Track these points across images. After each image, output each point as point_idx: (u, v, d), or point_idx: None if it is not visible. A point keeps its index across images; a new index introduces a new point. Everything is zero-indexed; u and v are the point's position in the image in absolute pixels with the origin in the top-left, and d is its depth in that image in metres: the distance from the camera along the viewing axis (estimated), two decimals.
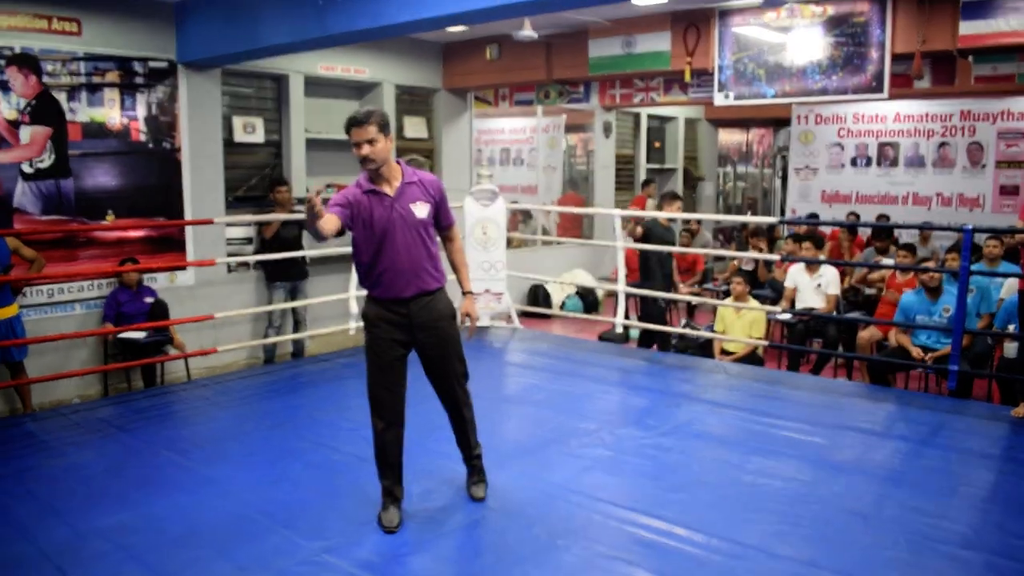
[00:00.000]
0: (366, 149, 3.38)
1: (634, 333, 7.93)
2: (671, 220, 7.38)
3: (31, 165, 6.17)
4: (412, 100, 9.19)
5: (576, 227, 11.74)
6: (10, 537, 3.47)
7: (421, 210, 3.49)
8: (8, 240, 5.60)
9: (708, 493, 3.85)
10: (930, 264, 7.16)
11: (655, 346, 7.29)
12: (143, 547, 3.36)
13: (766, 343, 6.71)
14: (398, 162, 3.57)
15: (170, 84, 6.91)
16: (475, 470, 3.85)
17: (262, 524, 3.55)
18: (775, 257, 7.69)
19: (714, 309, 7.35)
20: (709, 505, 3.72)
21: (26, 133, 6.14)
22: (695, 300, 8.31)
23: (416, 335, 3.56)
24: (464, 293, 3.83)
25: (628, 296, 7.22)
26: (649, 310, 7.18)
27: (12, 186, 6.08)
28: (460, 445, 3.84)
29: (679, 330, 7.13)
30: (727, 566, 3.15)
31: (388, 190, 3.48)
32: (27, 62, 6.10)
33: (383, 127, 3.41)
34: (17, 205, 6.10)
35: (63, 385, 6.17)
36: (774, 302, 7.47)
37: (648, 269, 7.23)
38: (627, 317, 7.16)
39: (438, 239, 3.69)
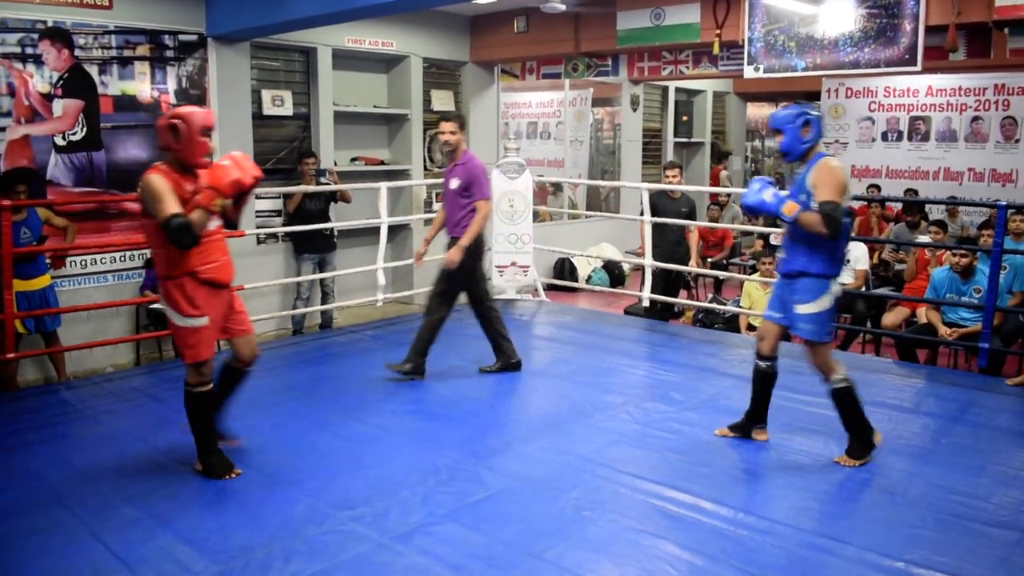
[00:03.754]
0: (451, 138, 5.16)
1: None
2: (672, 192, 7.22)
3: (64, 137, 6.23)
4: (439, 73, 9.17)
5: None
6: (46, 503, 3.55)
7: (454, 183, 4.87)
8: (40, 211, 5.68)
9: (734, 468, 3.86)
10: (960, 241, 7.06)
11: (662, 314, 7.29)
12: (173, 514, 3.43)
13: None
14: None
15: (200, 57, 6.94)
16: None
17: (290, 493, 3.60)
18: None
19: (741, 284, 7.31)
20: (735, 480, 3.73)
21: (59, 106, 6.20)
22: (722, 275, 8.27)
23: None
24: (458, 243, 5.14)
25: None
26: (654, 280, 7.15)
27: (45, 158, 6.15)
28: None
29: (703, 304, 7.11)
30: (753, 540, 3.16)
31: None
32: (59, 36, 6.14)
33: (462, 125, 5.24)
34: (50, 177, 6.17)
35: (96, 354, 6.27)
36: None
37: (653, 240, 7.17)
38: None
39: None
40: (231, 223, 3.88)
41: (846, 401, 3.92)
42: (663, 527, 3.27)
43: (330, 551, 3.09)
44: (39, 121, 6.11)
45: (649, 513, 3.40)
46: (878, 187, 10.12)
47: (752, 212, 4.02)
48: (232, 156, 3.63)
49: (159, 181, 3.49)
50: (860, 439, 3.95)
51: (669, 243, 7.00)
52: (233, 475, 3.79)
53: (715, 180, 11.45)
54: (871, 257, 7.40)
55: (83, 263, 6.32)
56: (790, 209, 3.72)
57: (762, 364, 4.11)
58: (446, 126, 5.18)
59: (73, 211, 6.20)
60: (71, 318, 6.01)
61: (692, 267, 7.10)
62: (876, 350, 6.80)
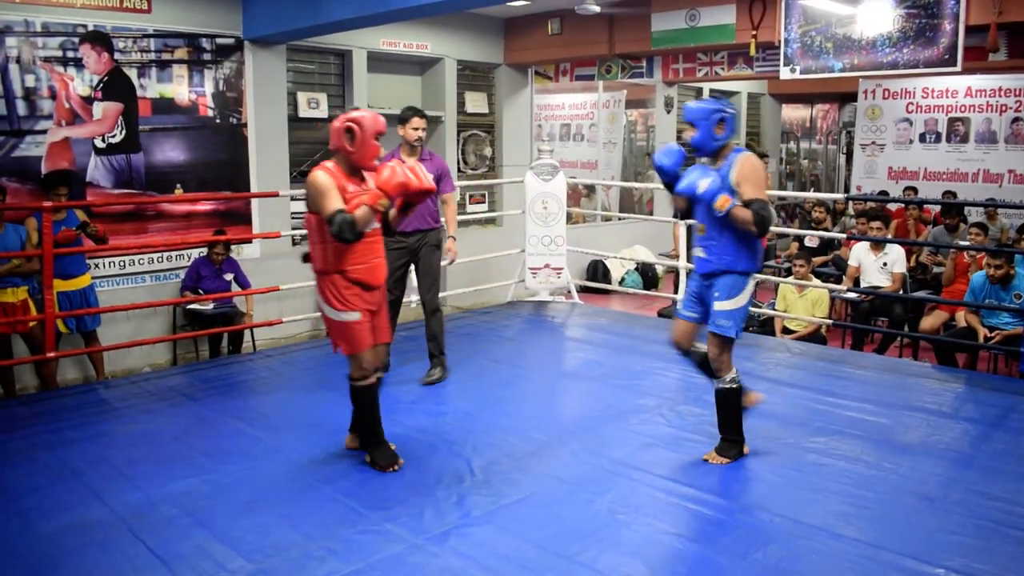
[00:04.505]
0: (423, 134, 5.10)
1: None
2: None
3: (103, 140, 6.33)
4: (473, 75, 9.19)
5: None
6: (86, 500, 3.60)
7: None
8: (78, 213, 5.77)
9: (770, 472, 3.82)
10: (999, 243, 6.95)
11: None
12: (210, 512, 3.46)
13: (830, 322, 6.60)
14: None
15: (237, 60, 7.01)
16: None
17: (325, 493, 3.63)
18: (841, 235, 7.54)
19: (776, 286, 7.24)
20: (771, 484, 3.69)
21: (98, 109, 6.30)
22: (758, 277, 8.18)
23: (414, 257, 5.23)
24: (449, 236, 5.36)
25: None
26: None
27: (85, 160, 6.25)
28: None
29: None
30: (790, 546, 3.12)
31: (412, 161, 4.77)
32: (100, 39, 6.24)
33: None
34: (90, 179, 6.28)
35: (134, 354, 6.36)
36: (838, 280, 7.33)
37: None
38: None
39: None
40: (390, 229, 3.96)
41: (730, 403, 3.91)
42: (699, 532, 3.25)
43: (365, 551, 3.10)
44: (79, 124, 6.21)
45: (684, 517, 3.38)
46: (915, 189, 9.97)
47: (663, 174, 3.92)
48: (407, 164, 3.70)
49: (326, 178, 3.60)
50: (733, 442, 3.96)
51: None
52: (396, 467, 3.84)
53: None
54: (908, 260, 7.29)
55: (122, 264, 6.42)
56: (723, 203, 3.62)
57: (691, 357, 4.10)
58: (422, 123, 5.10)
59: (112, 212, 6.30)
60: (110, 318, 6.11)
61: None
62: (914, 354, 6.70)
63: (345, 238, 3.53)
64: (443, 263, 5.42)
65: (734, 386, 3.89)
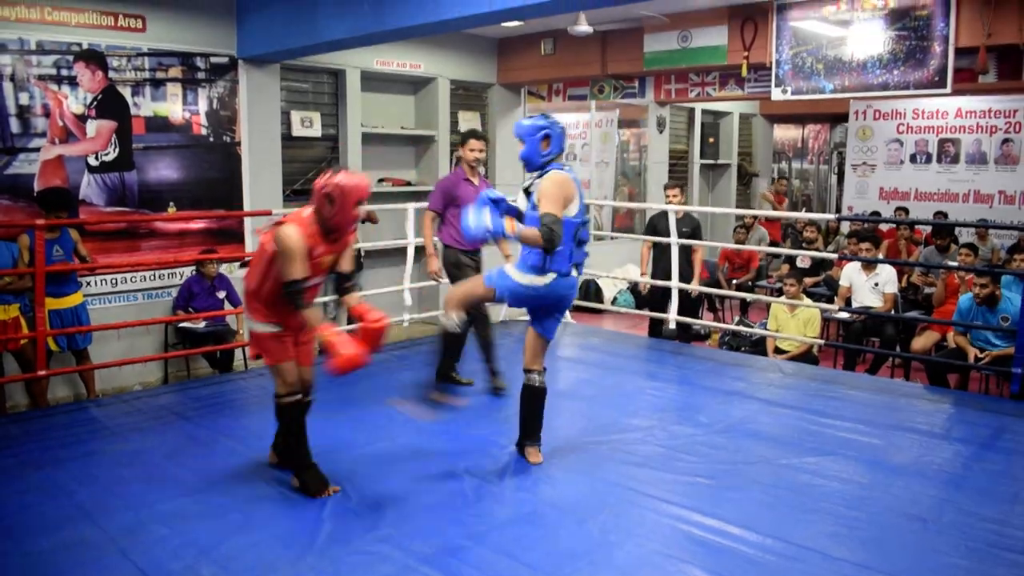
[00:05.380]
0: (481, 155, 5.40)
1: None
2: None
3: (96, 158, 6.34)
4: (466, 95, 9.24)
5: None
6: (75, 519, 3.57)
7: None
8: (72, 232, 5.76)
9: (762, 493, 3.82)
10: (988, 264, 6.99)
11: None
12: (200, 532, 3.44)
13: (822, 342, 6.62)
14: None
15: (230, 79, 7.04)
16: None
17: (317, 513, 3.60)
18: (833, 256, 7.58)
19: (768, 306, 7.26)
20: (763, 505, 3.69)
21: (92, 127, 6.31)
22: (749, 297, 8.22)
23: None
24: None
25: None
26: (652, 299, 7.24)
27: (78, 178, 6.26)
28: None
29: (729, 326, 7.06)
30: (781, 567, 3.12)
31: (476, 181, 5.40)
32: (94, 58, 6.26)
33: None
34: (83, 196, 6.28)
35: (125, 372, 6.34)
36: (829, 300, 7.36)
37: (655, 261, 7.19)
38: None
39: None
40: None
41: (444, 343, 4.30)
42: (690, 552, 3.24)
43: (356, 572, 3.08)
44: (73, 141, 6.22)
45: (676, 538, 3.37)
46: (906, 210, 10.04)
47: (475, 241, 4.07)
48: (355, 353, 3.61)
49: (297, 241, 3.58)
50: (430, 384, 4.19)
51: (667, 263, 6.90)
52: (329, 492, 3.80)
53: (779, 198, 11.32)
54: (900, 280, 7.33)
55: (113, 282, 6.40)
56: (511, 229, 3.78)
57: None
58: (479, 143, 5.37)
59: (104, 231, 6.29)
60: (101, 336, 6.09)
61: (692, 287, 6.92)
62: (906, 374, 6.72)
63: (291, 302, 3.64)
64: None
65: (451, 330, 4.13)
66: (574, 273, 4.00)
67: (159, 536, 3.41)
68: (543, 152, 3.89)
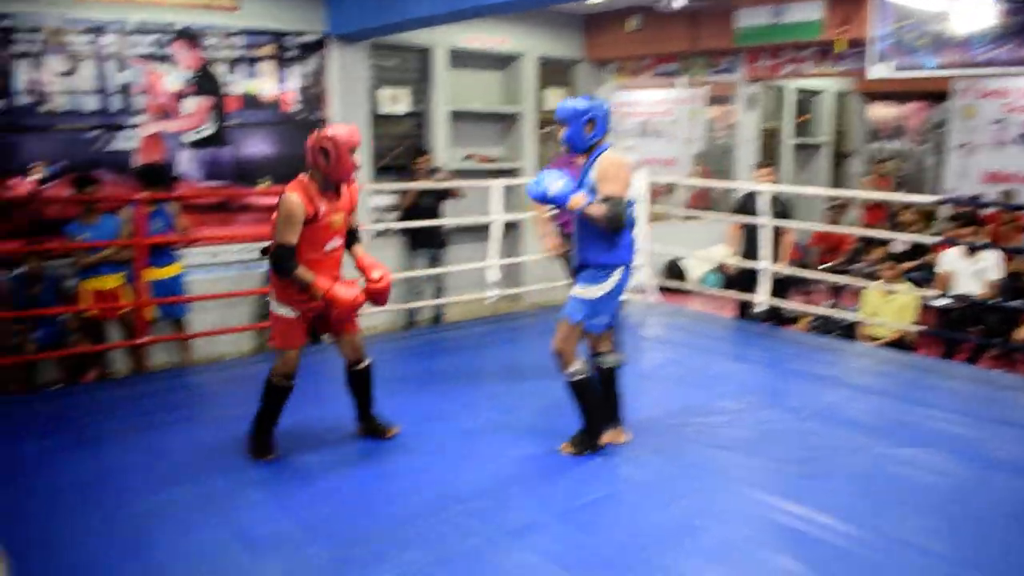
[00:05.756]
0: None
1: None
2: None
3: (193, 134, 6.52)
4: (553, 71, 9.17)
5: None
6: (173, 481, 3.71)
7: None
8: (170, 206, 5.95)
9: (854, 483, 3.71)
10: None
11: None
12: (294, 498, 3.54)
13: (918, 329, 6.38)
14: None
15: (321, 57, 7.14)
16: None
17: (405, 483, 3.67)
18: (932, 240, 7.29)
19: (859, 291, 7.04)
20: (855, 495, 3.58)
21: (188, 104, 6.49)
22: (842, 280, 7.97)
23: None
24: None
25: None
26: (733, 280, 7.13)
27: (176, 154, 6.45)
28: None
29: (819, 310, 6.87)
30: (874, 560, 3.03)
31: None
32: (190, 37, 6.44)
33: None
34: (180, 172, 6.48)
35: (221, 341, 6.52)
36: (925, 286, 7.09)
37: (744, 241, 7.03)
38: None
39: None
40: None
41: (577, 394, 3.92)
42: (781, 541, 3.17)
43: (443, 543, 3.13)
44: (170, 118, 6.41)
45: (765, 525, 3.30)
46: (1011, 194, 9.57)
47: (538, 201, 3.93)
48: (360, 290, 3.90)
49: (296, 205, 3.69)
50: (588, 433, 3.94)
51: (756, 244, 6.72)
52: (269, 458, 3.93)
53: (884, 181, 10.89)
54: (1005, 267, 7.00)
55: (210, 254, 6.60)
56: (576, 202, 3.67)
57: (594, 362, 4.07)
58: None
59: (201, 204, 6.48)
60: (198, 306, 6.28)
61: (781, 268, 6.72)
62: (1009, 365, 6.44)
63: (275, 267, 3.73)
64: None
65: (581, 377, 3.89)
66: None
67: (253, 501, 3.53)
68: (587, 136, 3.82)
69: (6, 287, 5.41)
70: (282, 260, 3.70)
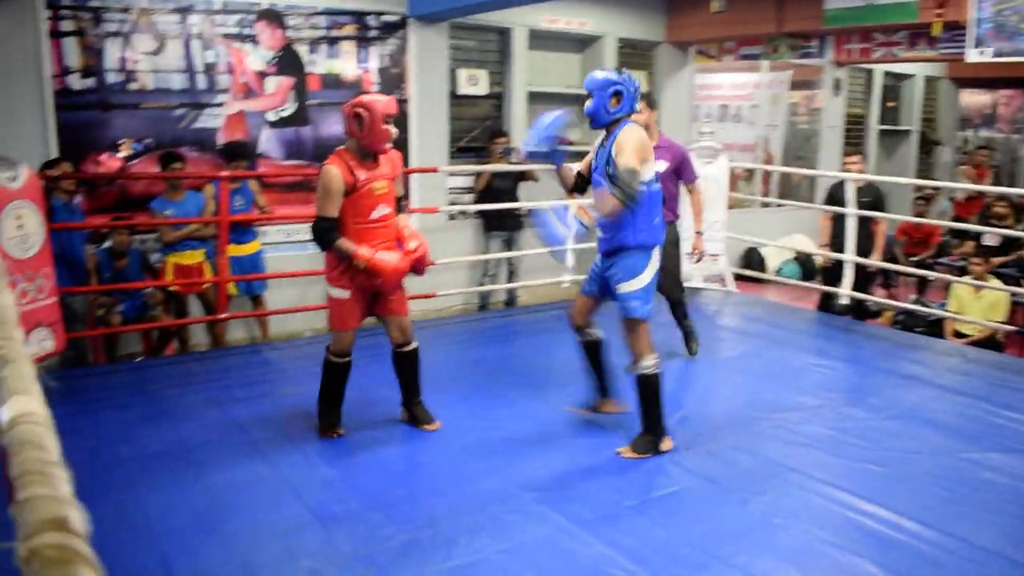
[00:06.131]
0: (645, 118, 4.83)
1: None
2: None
3: (275, 113, 6.61)
4: (633, 53, 9.02)
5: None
6: (252, 457, 3.78)
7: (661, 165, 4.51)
8: (252, 184, 6.05)
9: (940, 487, 3.57)
10: None
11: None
12: (366, 478, 3.57)
13: (1010, 328, 6.12)
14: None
15: (401, 37, 7.15)
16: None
17: (477, 468, 3.66)
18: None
19: (946, 286, 6.78)
20: (941, 500, 3.45)
21: (271, 83, 6.57)
22: (930, 275, 7.70)
23: None
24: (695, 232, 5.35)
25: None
26: (827, 275, 6.90)
27: (258, 132, 6.55)
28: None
29: (904, 305, 6.64)
30: (964, 569, 2.91)
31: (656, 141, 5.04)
32: (273, 17, 6.50)
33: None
34: (262, 150, 6.57)
35: (297, 318, 6.63)
36: (1019, 283, 6.79)
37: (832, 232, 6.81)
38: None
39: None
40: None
41: (649, 389, 3.78)
42: (861, 543, 3.07)
43: (515, 531, 3.11)
44: (253, 97, 6.50)
45: (845, 527, 3.20)
46: None
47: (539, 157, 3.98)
48: (409, 255, 3.89)
49: (335, 178, 3.69)
50: (650, 434, 3.82)
51: (844, 235, 6.49)
52: (335, 435, 3.99)
53: (981, 171, 10.41)
54: None
55: (288, 232, 6.69)
56: (591, 219, 3.69)
57: (581, 337, 4.03)
58: (641, 104, 4.94)
59: (281, 183, 6.58)
60: (276, 283, 6.39)
61: (872, 261, 6.52)
62: None
63: (316, 239, 3.74)
64: (692, 260, 5.58)
65: (654, 372, 3.76)
66: None
67: (327, 478, 3.57)
68: (611, 109, 3.69)
69: (93, 261, 5.57)
70: (322, 232, 3.72)
